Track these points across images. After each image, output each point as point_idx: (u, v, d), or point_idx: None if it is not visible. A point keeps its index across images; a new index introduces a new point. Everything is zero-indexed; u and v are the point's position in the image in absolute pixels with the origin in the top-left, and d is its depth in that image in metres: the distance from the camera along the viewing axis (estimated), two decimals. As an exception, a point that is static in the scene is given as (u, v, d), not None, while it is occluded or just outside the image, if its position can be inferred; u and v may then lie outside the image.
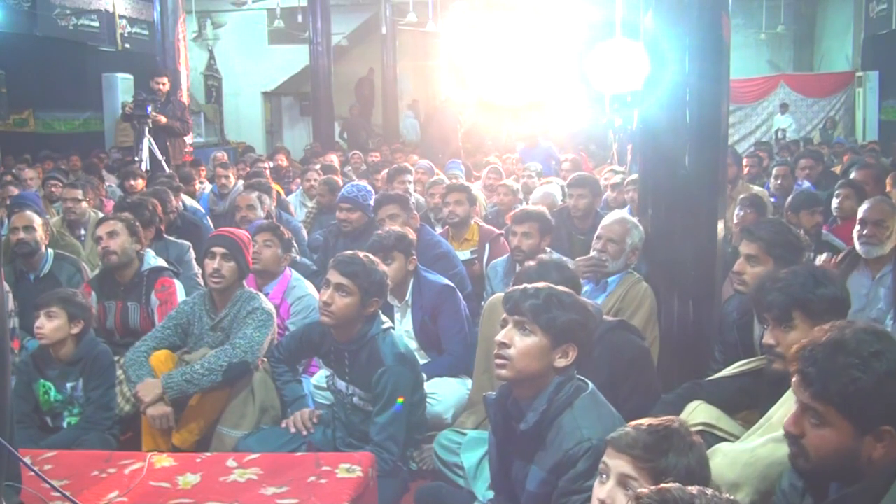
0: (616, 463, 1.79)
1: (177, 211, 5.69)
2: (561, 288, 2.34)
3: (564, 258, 3.29)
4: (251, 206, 5.37)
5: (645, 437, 1.77)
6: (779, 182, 6.41)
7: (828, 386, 1.64)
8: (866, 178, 5.55)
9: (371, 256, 3.19)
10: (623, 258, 3.58)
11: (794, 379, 1.73)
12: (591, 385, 2.30)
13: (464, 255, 5.06)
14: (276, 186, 7.72)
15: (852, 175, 5.75)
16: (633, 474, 1.75)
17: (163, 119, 8.31)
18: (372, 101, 17.70)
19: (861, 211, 3.84)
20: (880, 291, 3.78)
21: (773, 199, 6.31)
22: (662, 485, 1.43)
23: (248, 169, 8.93)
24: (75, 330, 3.40)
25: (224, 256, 3.47)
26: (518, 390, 2.31)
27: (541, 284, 2.34)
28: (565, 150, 10.61)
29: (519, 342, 2.24)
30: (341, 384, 3.19)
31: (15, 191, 6.76)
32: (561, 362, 2.25)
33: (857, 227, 3.82)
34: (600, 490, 1.80)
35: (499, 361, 2.27)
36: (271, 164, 9.61)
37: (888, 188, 5.67)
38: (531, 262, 2.92)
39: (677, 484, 1.43)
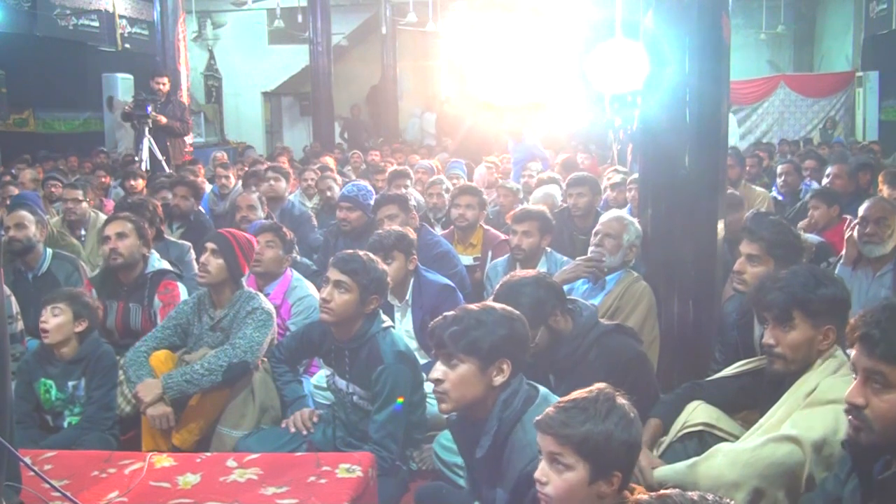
0: (543, 443, 1.87)
1: (196, 207, 5.77)
2: (482, 305, 2.32)
3: (542, 271, 3.24)
4: (252, 207, 5.37)
5: (560, 415, 1.85)
6: (782, 179, 6.42)
7: (894, 344, 1.70)
8: (840, 172, 5.61)
9: (371, 255, 3.19)
10: (620, 254, 3.59)
11: (855, 347, 1.79)
12: (541, 391, 2.28)
13: (466, 260, 5.03)
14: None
15: (828, 171, 5.81)
16: (558, 450, 1.83)
17: (163, 119, 8.30)
18: (384, 108, 17.60)
19: (861, 210, 3.84)
20: (881, 291, 3.78)
21: (780, 197, 6.33)
22: (662, 491, 1.44)
23: (247, 168, 8.93)
24: (79, 328, 3.40)
25: (213, 252, 3.47)
26: (470, 415, 2.30)
27: (459, 310, 2.31)
28: (564, 150, 10.61)
29: (451, 374, 2.23)
30: (341, 383, 3.19)
31: (15, 191, 6.78)
32: (498, 380, 2.23)
33: (859, 227, 3.82)
34: (539, 470, 1.88)
35: (437, 397, 2.28)
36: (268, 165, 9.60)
37: (880, 187, 5.69)
38: (499, 286, 2.80)
39: (677, 490, 1.44)
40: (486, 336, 2.21)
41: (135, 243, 3.92)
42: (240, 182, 7.07)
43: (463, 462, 2.61)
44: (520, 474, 2.12)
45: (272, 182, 6.17)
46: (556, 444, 1.83)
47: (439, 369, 2.26)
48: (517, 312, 2.33)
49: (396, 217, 4.62)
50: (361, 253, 3.15)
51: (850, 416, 1.80)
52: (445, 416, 2.43)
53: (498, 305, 2.34)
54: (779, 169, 6.70)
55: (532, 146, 9.40)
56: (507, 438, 2.20)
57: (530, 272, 2.90)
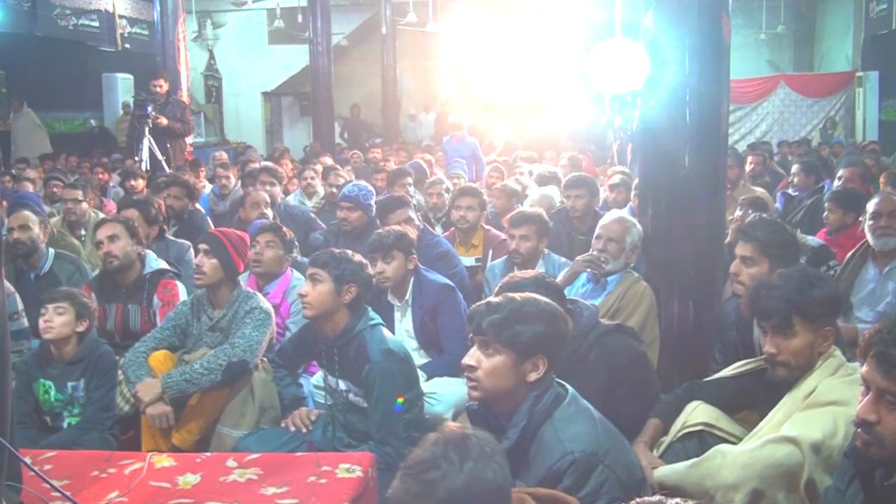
0: None
1: (191, 206, 5.77)
2: (525, 296, 2.25)
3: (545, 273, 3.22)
4: (268, 204, 5.42)
5: (413, 485, 1.60)
6: (795, 180, 6.42)
7: None
8: (852, 176, 5.59)
9: (347, 251, 3.20)
10: (623, 257, 3.59)
11: (867, 363, 1.72)
12: (570, 390, 2.25)
13: (468, 261, 5.01)
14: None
15: (840, 173, 5.79)
16: None
17: (163, 121, 8.30)
18: (384, 108, 17.56)
19: (871, 206, 3.84)
20: (888, 285, 3.78)
21: (796, 194, 6.33)
22: (668, 501, 1.39)
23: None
24: (80, 328, 3.41)
25: (206, 253, 3.48)
26: (495, 406, 2.26)
27: (503, 297, 2.25)
28: (565, 149, 10.62)
29: (485, 362, 2.17)
30: (334, 382, 3.21)
31: (30, 187, 6.81)
32: (533, 376, 2.18)
33: (870, 222, 3.80)
34: None
35: (469, 384, 2.22)
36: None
37: (882, 187, 5.69)
38: (499, 287, 2.73)
39: (678, 499, 1.39)
40: (527, 330, 2.16)
41: (127, 243, 3.92)
42: (240, 182, 7.08)
43: None
44: (548, 471, 2.10)
45: (268, 187, 6.11)
46: None
47: (474, 356, 2.20)
48: (560, 309, 2.28)
49: (410, 221, 4.56)
50: (337, 250, 3.20)
51: (859, 430, 1.74)
52: (474, 403, 2.35)
53: (541, 298, 2.27)
54: (794, 168, 6.67)
55: (473, 144, 9.36)
56: (535, 433, 2.17)
57: (529, 273, 2.89)
